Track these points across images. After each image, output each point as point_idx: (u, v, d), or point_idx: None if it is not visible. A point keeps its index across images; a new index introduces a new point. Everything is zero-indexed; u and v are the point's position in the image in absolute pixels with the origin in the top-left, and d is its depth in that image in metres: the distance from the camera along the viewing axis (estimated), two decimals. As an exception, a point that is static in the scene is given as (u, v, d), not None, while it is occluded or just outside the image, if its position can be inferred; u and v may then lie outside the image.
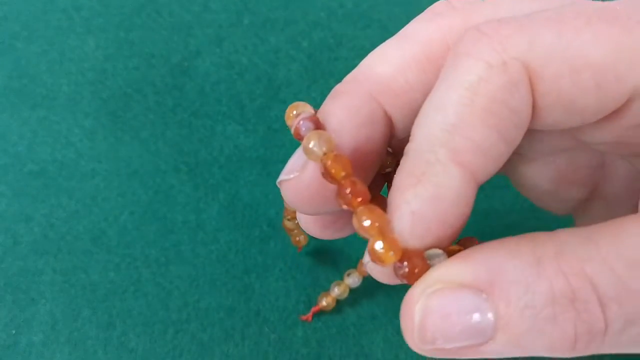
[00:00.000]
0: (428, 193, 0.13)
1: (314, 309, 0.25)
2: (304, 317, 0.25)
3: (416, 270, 0.13)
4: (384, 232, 0.13)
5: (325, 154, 0.14)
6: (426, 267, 0.13)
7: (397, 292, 0.27)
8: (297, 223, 0.25)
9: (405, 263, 0.13)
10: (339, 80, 0.32)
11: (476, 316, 0.12)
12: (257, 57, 0.31)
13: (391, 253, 0.13)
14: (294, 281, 0.27)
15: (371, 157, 0.16)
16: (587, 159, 0.18)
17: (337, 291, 0.25)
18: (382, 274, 0.15)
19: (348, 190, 0.14)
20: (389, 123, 0.16)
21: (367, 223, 0.13)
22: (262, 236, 0.28)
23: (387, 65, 0.16)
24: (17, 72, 0.30)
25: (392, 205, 0.14)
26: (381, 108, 0.16)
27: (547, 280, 0.12)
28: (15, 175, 0.28)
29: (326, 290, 0.26)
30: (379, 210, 0.14)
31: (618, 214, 0.14)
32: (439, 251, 0.14)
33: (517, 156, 0.19)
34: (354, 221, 0.14)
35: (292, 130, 0.15)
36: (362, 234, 0.14)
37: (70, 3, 0.31)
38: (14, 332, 0.25)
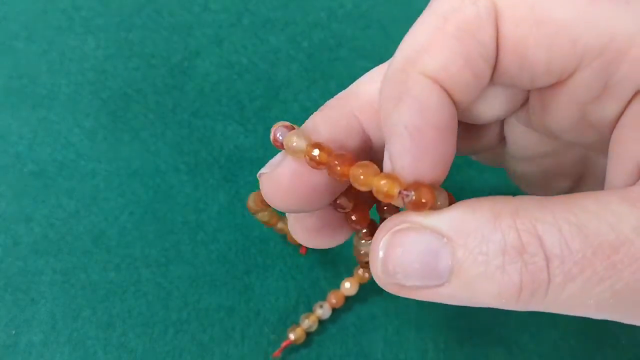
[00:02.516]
0: (411, 107, 0.14)
1: (284, 344, 0.25)
2: (275, 354, 0.25)
3: (423, 200, 0.14)
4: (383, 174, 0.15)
5: (307, 145, 0.15)
6: (433, 197, 0.14)
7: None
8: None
9: (412, 192, 0.14)
10: (338, 80, 0.32)
11: (435, 257, 0.14)
12: (257, 57, 0.31)
13: (396, 188, 0.14)
14: (294, 281, 0.27)
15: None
16: (570, 157, 0.20)
17: (307, 323, 0.25)
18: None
19: (337, 162, 0.15)
20: (366, 138, 0.17)
21: (362, 174, 0.15)
22: (262, 236, 0.28)
23: (371, 85, 0.17)
24: (17, 72, 0.30)
25: (386, 130, 0.15)
26: (359, 123, 0.17)
27: (500, 232, 0.13)
28: (15, 175, 0.28)
29: (325, 289, 0.26)
30: (371, 164, 0.15)
31: None
32: (442, 191, 0.15)
33: (509, 157, 0.21)
34: (353, 180, 0.15)
35: (273, 142, 0.16)
36: (362, 185, 0.15)
37: (70, 3, 0.31)
38: (14, 332, 0.25)
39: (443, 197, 0.15)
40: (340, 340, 0.26)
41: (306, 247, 0.27)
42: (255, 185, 0.29)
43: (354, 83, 0.18)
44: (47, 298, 0.26)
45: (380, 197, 0.15)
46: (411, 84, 0.15)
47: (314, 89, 0.31)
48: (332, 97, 0.19)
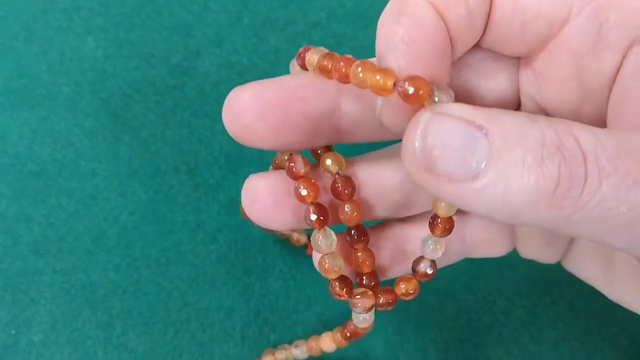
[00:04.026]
0: (409, 21, 0.15)
1: None
2: None
3: (421, 92, 0.14)
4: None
5: (320, 56, 0.16)
6: (428, 88, 0.14)
7: (397, 292, 0.27)
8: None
9: (407, 83, 0.14)
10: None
11: (473, 144, 0.13)
12: (257, 57, 0.31)
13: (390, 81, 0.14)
14: (294, 281, 0.27)
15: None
16: None
17: (282, 355, 0.25)
18: (392, 113, 0.15)
19: (342, 63, 0.15)
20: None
21: (361, 71, 0.15)
22: (262, 236, 0.28)
23: None
24: (17, 72, 0.30)
25: (382, 46, 0.15)
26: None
27: (539, 129, 0.13)
28: (15, 175, 0.28)
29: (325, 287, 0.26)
30: (370, 62, 0.15)
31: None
32: (445, 87, 0.14)
33: None
34: (352, 78, 0.15)
35: (296, 59, 0.17)
36: (360, 83, 0.15)
37: (70, 3, 0.31)
38: (14, 332, 0.25)
39: (448, 95, 0.14)
40: (340, 340, 0.26)
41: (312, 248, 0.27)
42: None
43: None
44: (47, 298, 0.26)
45: (375, 91, 0.14)
46: (410, 4, 0.15)
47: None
48: None
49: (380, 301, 0.18)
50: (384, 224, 0.20)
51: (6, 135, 0.29)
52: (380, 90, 0.14)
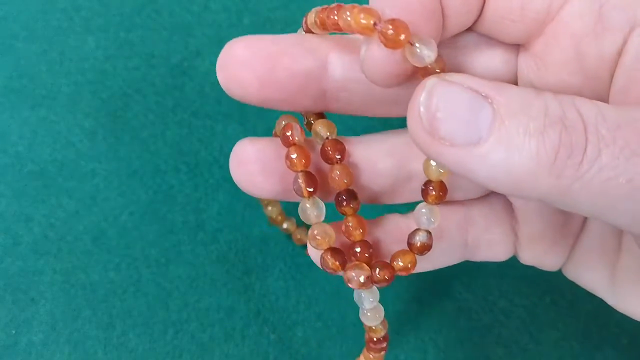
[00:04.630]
0: None
1: None
2: None
3: (401, 36, 0.14)
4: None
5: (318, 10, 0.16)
6: (409, 33, 0.14)
7: (397, 292, 0.27)
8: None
9: (388, 23, 0.14)
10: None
11: (477, 109, 0.14)
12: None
13: (371, 20, 0.14)
14: (294, 281, 0.27)
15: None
16: None
17: None
18: (374, 58, 0.15)
19: (335, 11, 0.15)
20: None
21: (348, 13, 0.15)
22: (262, 236, 0.28)
23: None
24: (17, 72, 0.30)
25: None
26: None
27: (543, 100, 0.14)
28: (15, 175, 0.28)
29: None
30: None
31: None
32: (430, 40, 0.14)
33: None
34: (340, 21, 0.15)
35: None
36: (346, 24, 0.15)
37: (70, 3, 0.31)
38: (14, 332, 0.25)
39: (431, 48, 0.14)
40: (340, 340, 0.26)
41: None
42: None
43: None
44: (47, 298, 0.26)
45: (357, 31, 0.15)
46: None
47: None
48: None
49: (377, 275, 0.17)
50: (382, 216, 0.20)
51: (6, 135, 0.29)
52: (363, 29, 0.14)
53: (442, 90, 0.14)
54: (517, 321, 0.27)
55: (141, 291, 0.27)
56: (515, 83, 0.18)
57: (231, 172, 0.18)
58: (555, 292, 0.27)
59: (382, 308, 0.18)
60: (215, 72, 0.32)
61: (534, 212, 0.20)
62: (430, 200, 0.17)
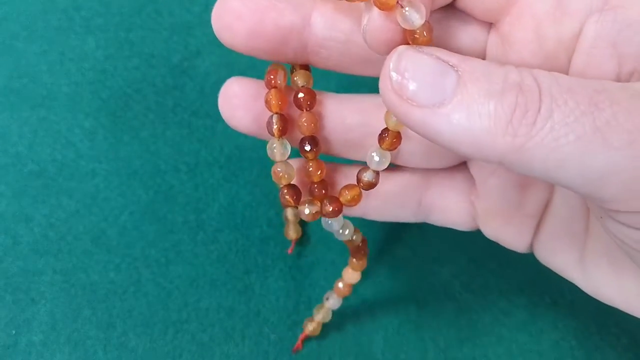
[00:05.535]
0: None
1: (301, 337, 0.26)
2: (295, 347, 0.26)
3: None
4: None
5: None
6: None
7: (397, 293, 0.27)
8: (296, 215, 0.25)
9: None
10: (338, 80, 0.32)
11: (443, 73, 0.15)
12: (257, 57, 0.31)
13: None
14: (294, 281, 0.27)
15: None
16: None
17: (319, 316, 0.25)
18: (374, 27, 0.16)
19: None
20: None
21: None
22: (262, 236, 0.28)
23: None
24: (17, 72, 0.30)
25: None
26: None
27: (504, 70, 0.15)
28: (15, 175, 0.28)
29: (324, 288, 0.26)
30: None
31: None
32: (419, 4, 0.16)
33: None
34: None
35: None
36: None
37: (70, 3, 0.31)
38: (14, 332, 0.25)
39: (419, 11, 0.15)
40: (340, 340, 0.26)
41: (293, 247, 0.27)
42: (255, 185, 0.29)
43: None
44: (47, 298, 0.26)
45: None
46: None
47: (314, 88, 0.31)
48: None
49: (326, 208, 0.19)
50: (343, 164, 0.22)
51: (6, 135, 0.29)
52: None
53: (411, 55, 0.15)
54: (517, 321, 0.27)
55: (141, 291, 0.27)
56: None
57: (219, 103, 0.20)
58: (555, 292, 0.27)
59: (349, 222, 0.21)
60: (215, 72, 0.32)
61: (492, 188, 0.22)
62: (383, 146, 0.19)
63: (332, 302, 0.25)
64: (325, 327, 0.26)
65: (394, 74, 0.15)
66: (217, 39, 0.32)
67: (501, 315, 0.27)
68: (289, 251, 0.27)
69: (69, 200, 0.28)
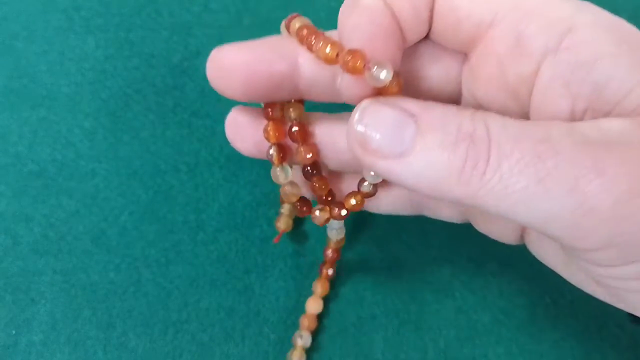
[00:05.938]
0: (360, 9, 0.17)
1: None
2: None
3: (358, 63, 0.17)
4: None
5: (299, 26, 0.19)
6: (364, 60, 0.17)
7: (397, 293, 0.27)
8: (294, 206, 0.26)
9: (347, 54, 0.17)
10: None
11: (403, 125, 0.16)
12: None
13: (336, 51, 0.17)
14: (294, 281, 0.27)
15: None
16: None
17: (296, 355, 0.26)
18: (348, 86, 0.18)
19: (311, 37, 0.18)
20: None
21: (320, 43, 0.18)
22: (262, 236, 0.28)
23: None
24: (17, 72, 0.30)
25: (340, 35, 0.18)
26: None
27: (460, 118, 0.16)
28: (15, 175, 0.28)
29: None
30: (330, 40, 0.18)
31: None
32: (385, 62, 0.17)
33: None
34: (313, 48, 0.18)
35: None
36: (317, 52, 0.18)
37: (70, 3, 0.31)
38: (14, 332, 0.25)
39: (387, 70, 0.16)
40: (340, 340, 0.26)
41: (279, 237, 0.27)
42: (255, 185, 0.29)
43: None
44: (47, 298, 0.26)
45: (325, 61, 0.17)
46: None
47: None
48: None
49: (335, 213, 0.22)
50: (345, 173, 0.23)
51: (6, 135, 0.29)
52: (328, 60, 0.17)
53: (373, 109, 0.17)
54: (517, 321, 0.27)
55: (141, 291, 0.27)
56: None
57: (226, 128, 0.22)
58: (555, 292, 0.27)
59: (341, 223, 0.24)
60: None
61: None
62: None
63: (305, 339, 0.26)
64: (326, 327, 0.26)
65: (358, 127, 0.17)
66: (217, 39, 0.32)
67: (501, 315, 0.27)
68: (275, 240, 0.27)
69: (69, 200, 0.28)
